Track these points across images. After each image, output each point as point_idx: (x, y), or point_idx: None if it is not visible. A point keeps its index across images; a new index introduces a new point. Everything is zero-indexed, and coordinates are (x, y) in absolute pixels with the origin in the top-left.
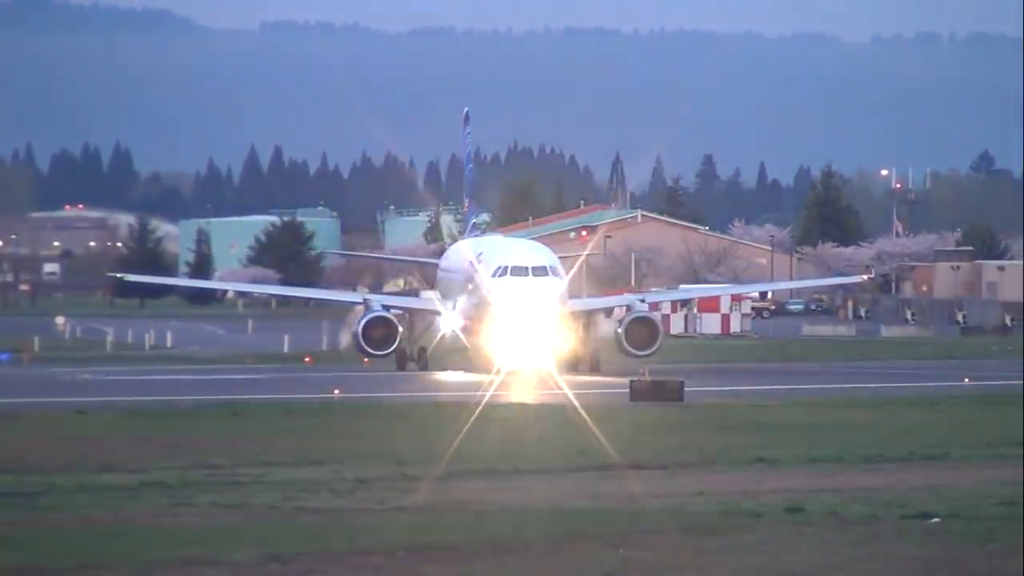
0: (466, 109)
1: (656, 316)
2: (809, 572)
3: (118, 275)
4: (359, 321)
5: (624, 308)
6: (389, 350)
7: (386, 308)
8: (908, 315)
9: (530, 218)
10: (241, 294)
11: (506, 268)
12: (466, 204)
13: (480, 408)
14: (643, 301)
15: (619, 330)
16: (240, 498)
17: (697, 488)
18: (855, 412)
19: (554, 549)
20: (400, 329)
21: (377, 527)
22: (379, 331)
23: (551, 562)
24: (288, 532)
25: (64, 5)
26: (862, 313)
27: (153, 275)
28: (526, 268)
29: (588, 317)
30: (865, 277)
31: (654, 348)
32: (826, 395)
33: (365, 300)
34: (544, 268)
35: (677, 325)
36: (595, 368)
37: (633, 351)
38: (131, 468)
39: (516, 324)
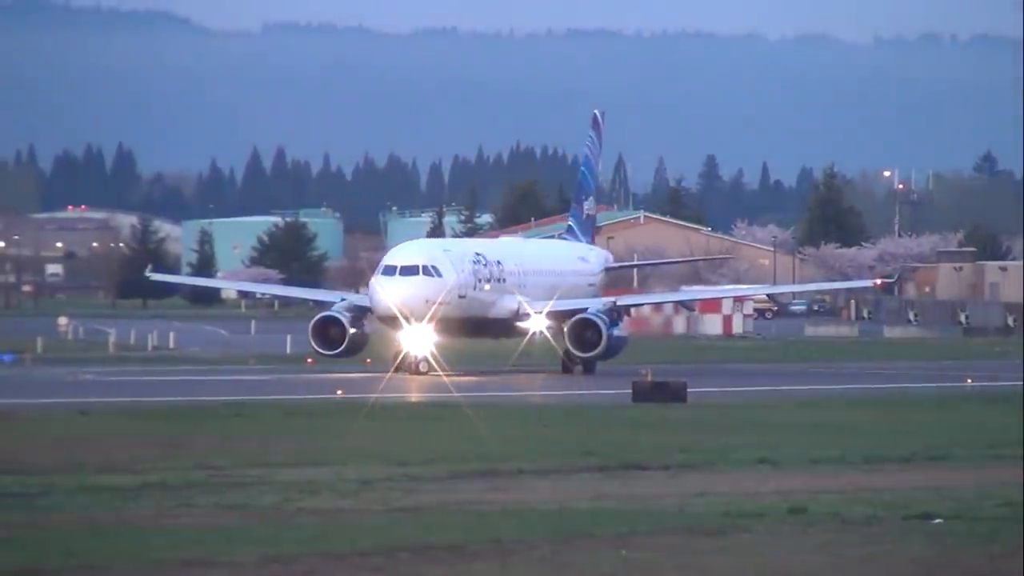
0: (595, 111)
1: (602, 318)
2: (811, 573)
3: (153, 276)
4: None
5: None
6: (339, 349)
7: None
8: (911, 316)
9: (532, 219)
10: (243, 294)
11: (382, 267)
12: (591, 208)
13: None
14: (615, 303)
15: (564, 330)
16: (242, 499)
17: (699, 488)
18: (858, 413)
19: (558, 547)
20: (351, 330)
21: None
22: (330, 330)
23: (555, 558)
24: (290, 533)
25: (65, 6)
26: (865, 314)
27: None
28: (394, 268)
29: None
30: (879, 282)
31: (598, 350)
32: (828, 395)
33: (342, 300)
34: (415, 268)
35: (679, 326)
36: (589, 370)
37: (577, 352)
38: (133, 469)
39: (388, 323)
